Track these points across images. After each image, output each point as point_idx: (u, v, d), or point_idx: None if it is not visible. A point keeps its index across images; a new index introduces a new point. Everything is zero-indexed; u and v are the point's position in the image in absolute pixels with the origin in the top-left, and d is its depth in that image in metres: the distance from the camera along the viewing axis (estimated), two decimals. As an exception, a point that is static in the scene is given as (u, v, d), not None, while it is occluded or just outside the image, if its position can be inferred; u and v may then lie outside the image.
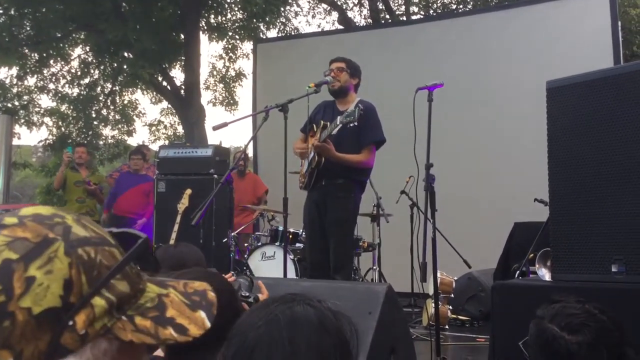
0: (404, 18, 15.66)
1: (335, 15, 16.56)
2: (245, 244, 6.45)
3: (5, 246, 0.64)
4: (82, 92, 14.34)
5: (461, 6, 15.65)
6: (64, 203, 7.16)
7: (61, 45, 13.07)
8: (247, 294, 1.68)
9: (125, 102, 15.73)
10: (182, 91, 12.45)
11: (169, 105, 15.10)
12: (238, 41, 14.59)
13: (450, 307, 5.62)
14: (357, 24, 15.69)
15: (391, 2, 16.14)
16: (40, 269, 0.63)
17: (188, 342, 0.70)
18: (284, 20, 15.12)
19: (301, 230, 5.74)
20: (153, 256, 0.73)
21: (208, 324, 0.72)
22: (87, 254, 0.67)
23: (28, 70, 13.25)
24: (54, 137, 14.39)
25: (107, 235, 0.72)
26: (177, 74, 13.88)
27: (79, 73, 14.28)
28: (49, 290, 0.63)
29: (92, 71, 14.32)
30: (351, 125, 4.18)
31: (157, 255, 2.44)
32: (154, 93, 15.15)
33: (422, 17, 15.93)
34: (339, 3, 16.28)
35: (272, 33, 14.23)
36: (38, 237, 0.65)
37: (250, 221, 7.08)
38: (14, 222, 0.66)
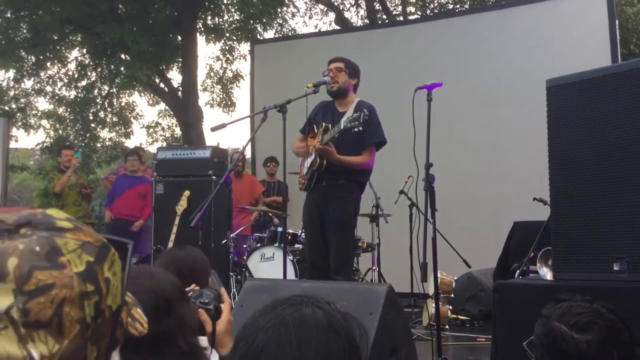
0: (401, 18, 15.66)
1: (332, 16, 16.57)
2: (244, 245, 6.43)
3: (80, 249, 0.66)
4: (79, 95, 14.32)
5: (458, 6, 15.66)
6: (60, 207, 7.09)
7: (58, 47, 13.05)
8: (207, 301, 1.69)
9: (123, 104, 15.73)
10: (180, 93, 12.44)
11: (167, 107, 15.09)
12: (235, 42, 14.61)
13: (450, 307, 5.61)
14: (354, 25, 15.69)
15: (388, 3, 16.16)
16: (109, 271, 0.68)
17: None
18: (280, 22, 15.12)
19: (300, 231, 5.72)
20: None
21: (146, 319, 0.79)
22: None
23: (25, 73, 13.24)
24: (51, 140, 14.37)
25: None
26: (175, 76, 13.89)
27: (75, 75, 14.26)
28: (118, 290, 0.69)
29: (89, 73, 14.30)
30: (355, 130, 4.14)
31: (162, 258, 2.41)
32: (151, 95, 15.14)
33: (419, 17, 15.93)
34: (335, 4, 16.27)
35: (269, 34, 14.24)
36: (97, 241, 0.69)
37: (248, 222, 7.06)
38: (70, 226, 0.68)
